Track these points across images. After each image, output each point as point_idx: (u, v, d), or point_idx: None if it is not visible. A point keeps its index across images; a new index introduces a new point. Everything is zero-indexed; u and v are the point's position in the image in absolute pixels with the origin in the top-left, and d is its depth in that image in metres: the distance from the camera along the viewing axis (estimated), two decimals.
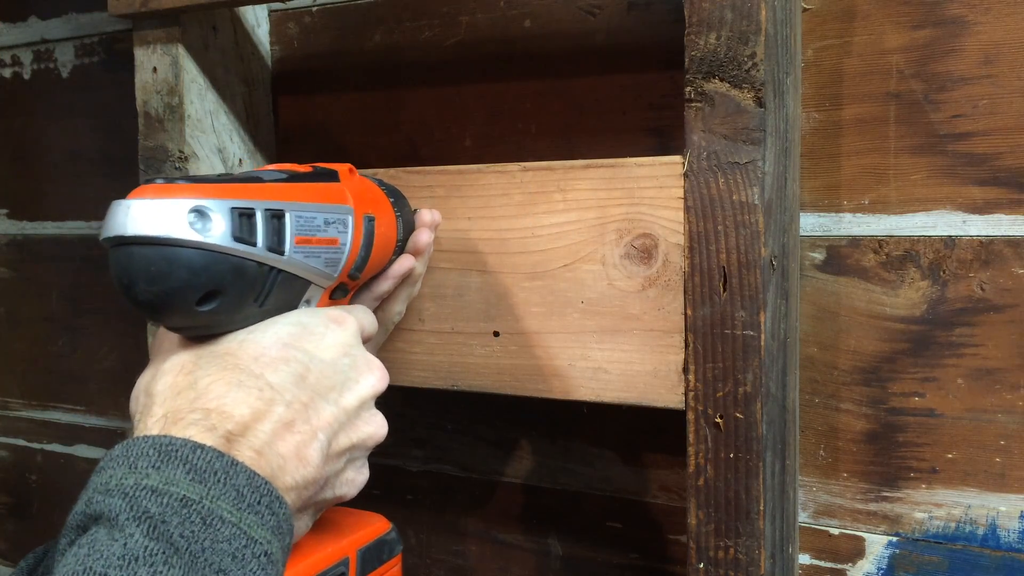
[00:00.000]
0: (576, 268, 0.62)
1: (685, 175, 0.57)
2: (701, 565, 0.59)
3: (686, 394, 0.58)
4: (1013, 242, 0.59)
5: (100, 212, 1.05)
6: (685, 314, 0.58)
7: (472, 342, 0.66)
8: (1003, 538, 0.61)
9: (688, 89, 0.57)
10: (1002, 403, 0.60)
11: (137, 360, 0.99)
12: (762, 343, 0.56)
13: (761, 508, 0.57)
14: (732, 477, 0.57)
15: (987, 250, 0.60)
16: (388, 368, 0.68)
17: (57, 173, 1.04)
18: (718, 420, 0.57)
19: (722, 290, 0.57)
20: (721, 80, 0.56)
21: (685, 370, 0.58)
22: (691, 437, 0.58)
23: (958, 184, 0.60)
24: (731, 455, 0.57)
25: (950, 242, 0.61)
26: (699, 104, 0.57)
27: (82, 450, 1.06)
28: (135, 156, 0.98)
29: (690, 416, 0.58)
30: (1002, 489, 0.61)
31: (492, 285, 0.65)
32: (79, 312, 1.04)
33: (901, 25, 0.61)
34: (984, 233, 0.60)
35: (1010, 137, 0.59)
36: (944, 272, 0.61)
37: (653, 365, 0.60)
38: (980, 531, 0.62)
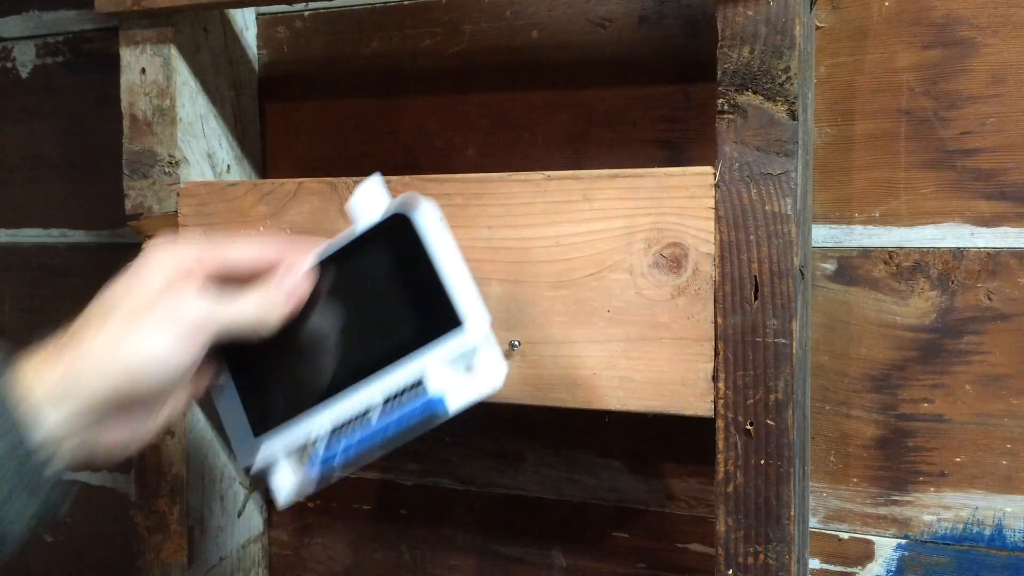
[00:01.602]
0: (603, 277, 0.62)
1: (716, 185, 0.58)
2: (730, 572, 0.59)
3: (715, 402, 0.59)
4: (1019, 254, 0.62)
5: (59, 219, 1.01)
6: (715, 322, 0.59)
7: None
8: (1009, 538, 0.64)
9: (720, 101, 0.58)
10: (1009, 408, 0.63)
11: None
12: (793, 351, 0.57)
13: (792, 513, 0.58)
14: (763, 483, 0.58)
15: (994, 261, 0.63)
16: None
17: (13, 178, 0.99)
18: (748, 427, 0.58)
19: (753, 299, 0.58)
20: (754, 93, 0.57)
21: (715, 378, 0.59)
22: (720, 444, 0.59)
23: (966, 198, 0.63)
24: (761, 461, 0.58)
25: (958, 254, 0.64)
26: (731, 116, 0.58)
27: None
28: (100, 161, 0.95)
29: (719, 424, 0.59)
30: (1008, 491, 0.63)
31: (513, 294, 0.64)
32: (35, 325, 0.99)
33: (912, 45, 0.64)
34: (991, 245, 0.63)
35: (1017, 154, 0.62)
36: (952, 282, 0.64)
37: (682, 373, 0.60)
38: (987, 532, 0.64)
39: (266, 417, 0.55)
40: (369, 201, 0.54)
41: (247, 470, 0.55)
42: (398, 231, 0.52)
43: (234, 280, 0.53)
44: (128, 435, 0.49)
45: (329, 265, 0.54)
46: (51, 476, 0.45)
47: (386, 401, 0.51)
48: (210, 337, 0.49)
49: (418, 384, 0.50)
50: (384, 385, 0.51)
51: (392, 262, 0.52)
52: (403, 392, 0.50)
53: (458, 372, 0.50)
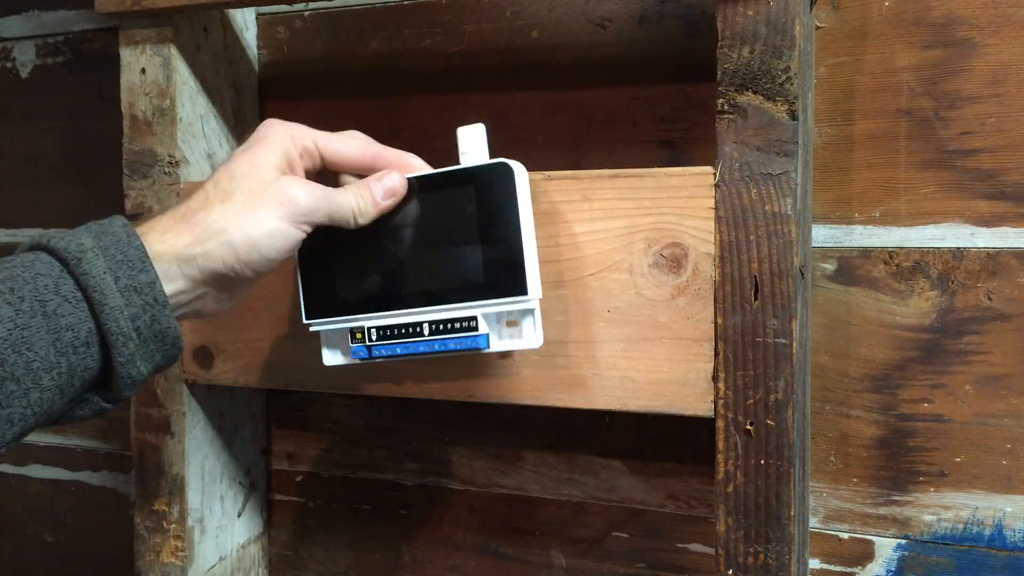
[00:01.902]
0: (602, 277, 0.62)
1: (716, 185, 0.58)
2: (730, 572, 0.59)
3: (715, 402, 0.59)
4: (1019, 254, 0.62)
5: (59, 219, 1.01)
6: (715, 322, 0.59)
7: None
8: (1009, 538, 0.64)
9: (720, 101, 0.58)
10: (1009, 408, 0.63)
11: None
12: (793, 351, 0.57)
13: (792, 513, 0.58)
14: (763, 483, 0.58)
15: (994, 261, 0.63)
16: (399, 379, 0.67)
17: (13, 177, 0.99)
18: (748, 427, 0.58)
19: (753, 299, 0.58)
20: (754, 93, 0.57)
21: (715, 378, 0.59)
22: (720, 444, 0.59)
23: (966, 198, 0.63)
24: (761, 461, 0.58)
25: (958, 253, 0.64)
26: (731, 116, 0.58)
27: (36, 470, 1.00)
28: (100, 160, 0.95)
29: (720, 424, 0.59)
30: (1008, 491, 0.63)
31: None
32: None
33: (912, 45, 0.64)
34: (991, 245, 0.63)
35: (1017, 153, 0.62)
36: (953, 282, 0.64)
37: (682, 373, 0.60)
38: (987, 532, 0.64)
39: (320, 307, 0.60)
40: (474, 141, 0.58)
41: (308, 326, 0.61)
42: (497, 180, 0.56)
43: (330, 172, 0.58)
44: (224, 302, 0.54)
45: (423, 184, 0.58)
46: (174, 326, 0.49)
47: (436, 323, 0.57)
48: (315, 224, 0.54)
49: (470, 320, 0.56)
50: (440, 315, 0.57)
51: (482, 205, 0.56)
52: (454, 322, 0.57)
53: (504, 323, 0.57)
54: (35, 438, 1.00)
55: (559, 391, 0.63)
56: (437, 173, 0.58)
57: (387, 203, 0.57)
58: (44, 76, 0.96)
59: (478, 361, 0.65)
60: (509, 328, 0.57)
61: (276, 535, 0.88)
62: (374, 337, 0.59)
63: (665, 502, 0.74)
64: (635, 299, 0.61)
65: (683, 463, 0.73)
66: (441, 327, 0.57)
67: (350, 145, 0.57)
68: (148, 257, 0.48)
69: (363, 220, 0.56)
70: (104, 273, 0.46)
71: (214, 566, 0.79)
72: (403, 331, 0.58)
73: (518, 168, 0.56)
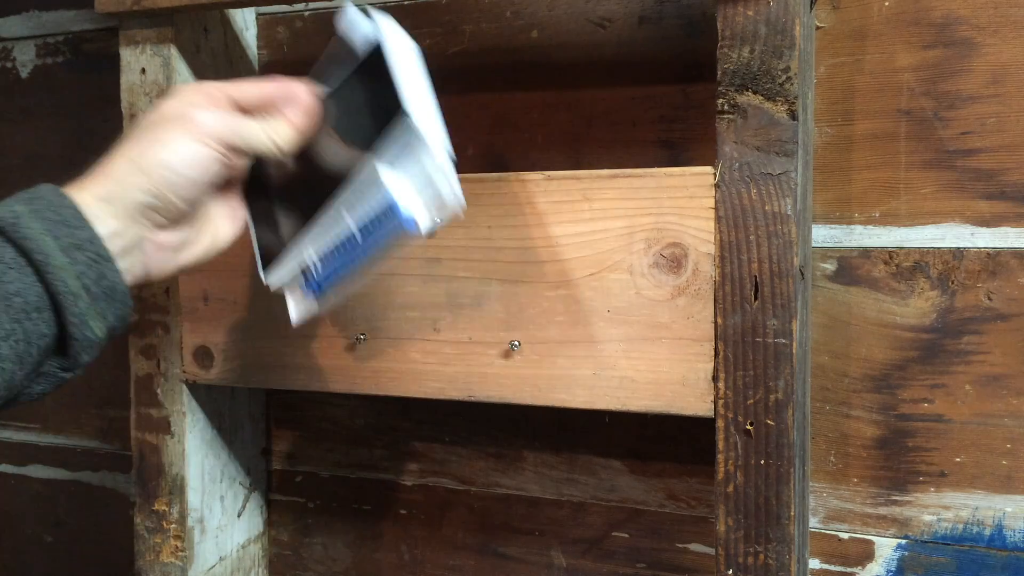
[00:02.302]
0: (602, 277, 0.62)
1: (716, 185, 0.58)
2: (730, 572, 0.59)
3: (715, 402, 0.59)
4: (1019, 254, 0.62)
5: None
6: (715, 323, 0.59)
7: (491, 352, 0.65)
8: (1009, 538, 0.64)
9: (720, 101, 0.58)
10: (1009, 408, 0.63)
11: (102, 375, 0.95)
12: (793, 351, 0.57)
13: (792, 513, 0.58)
14: (763, 483, 0.58)
15: (994, 261, 0.63)
16: (399, 379, 0.67)
17: (14, 177, 0.99)
18: (748, 427, 0.58)
19: (753, 299, 0.58)
20: (754, 93, 0.57)
21: (715, 378, 0.59)
22: (720, 444, 0.59)
23: (966, 198, 0.63)
24: (762, 461, 0.58)
25: (958, 253, 0.64)
26: (731, 116, 0.58)
27: (36, 470, 1.00)
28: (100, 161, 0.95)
29: (720, 424, 0.59)
30: (1008, 491, 0.63)
31: (513, 294, 0.64)
32: None
33: (912, 45, 0.64)
34: (991, 245, 0.63)
35: (1017, 153, 0.62)
36: (953, 282, 0.64)
37: (682, 373, 0.60)
38: (987, 532, 0.64)
39: (270, 253, 0.59)
40: (355, 31, 0.57)
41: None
42: (375, 62, 0.54)
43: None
44: (173, 247, 0.54)
45: (328, 102, 0.57)
46: (121, 281, 0.49)
47: (364, 228, 0.55)
48: (231, 146, 0.53)
49: (390, 210, 0.54)
50: (350, 197, 0.54)
51: (370, 90, 0.55)
52: (378, 218, 0.54)
53: (425, 200, 0.54)
54: (35, 438, 1.00)
55: (559, 391, 0.64)
56: (332, 88, 0.57)
57: (300, 120, 0.55)
58: (44, 76, 0.96)
59: (478, 361, 0.65)
60: (435, 205, 0.54)
61: (276, 535, 0.88)
62: (320, 269, 0.56)
63: (665, 502, 0.74)
64: (635, 299, 0.61)
65: (683, 463, 0.73)
66: (369, 225, 0.54)
67: (250, 87, 0.57)
68: (83, 215, 0.48)
69: (284, 143, 0.55)
70: (43, 234, 0.46)
71: (214, 566, 0.79)
72: (341, 248, 0.55)
73: (383, 36, 0.54)
